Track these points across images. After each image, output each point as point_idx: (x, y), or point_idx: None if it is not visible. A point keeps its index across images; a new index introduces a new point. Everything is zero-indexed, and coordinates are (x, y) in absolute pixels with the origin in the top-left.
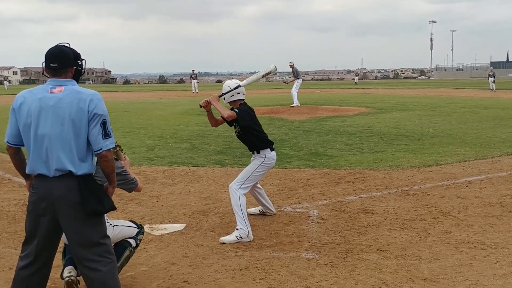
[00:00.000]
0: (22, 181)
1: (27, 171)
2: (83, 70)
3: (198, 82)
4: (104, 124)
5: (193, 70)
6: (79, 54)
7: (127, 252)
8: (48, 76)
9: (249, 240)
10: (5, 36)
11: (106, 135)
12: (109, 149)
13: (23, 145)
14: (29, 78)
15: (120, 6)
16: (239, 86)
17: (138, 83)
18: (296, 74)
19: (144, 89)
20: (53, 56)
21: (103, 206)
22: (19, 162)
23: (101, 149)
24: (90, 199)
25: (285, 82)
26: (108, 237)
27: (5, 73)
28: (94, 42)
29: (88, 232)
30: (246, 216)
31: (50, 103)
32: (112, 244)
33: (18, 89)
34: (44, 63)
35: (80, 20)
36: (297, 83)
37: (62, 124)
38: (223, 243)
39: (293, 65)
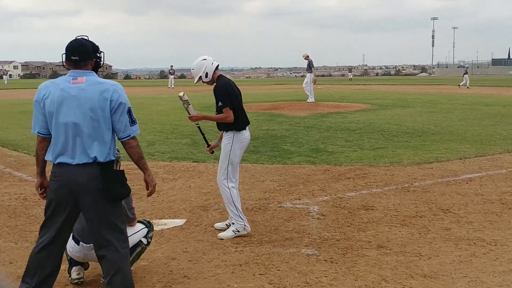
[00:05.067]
0: (23, 175)
1: (48, 158)
2: (102, 63)
3: (174, 78)
4: (129, 112)
5: (172, 66)
6: (97, 46)
7: (138, 249)
8: (68, 68)
9: (246, 232)
10: (7, 30)
11: (132, 122)
12: (135, 136)
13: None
14: (30, 72)
15: (122, 0)
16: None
17: (139, 78)
18: (308, 66)
19: (145, 84)
20: (73, 49)
21: (126, 189)
22: (44, 149)
23: (129, 135)
24: (114, 185)
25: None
26: (125, 224)
27: (6, 67)
28: (96, 37)
29: (110, 214)
30: (240, 209)
31: (72, 93)
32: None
33: (19, 83)
34: (64, 56)
35: (82, 15)
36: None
37: (85, 112)
38: (222, 239)
39: (308, 56)
